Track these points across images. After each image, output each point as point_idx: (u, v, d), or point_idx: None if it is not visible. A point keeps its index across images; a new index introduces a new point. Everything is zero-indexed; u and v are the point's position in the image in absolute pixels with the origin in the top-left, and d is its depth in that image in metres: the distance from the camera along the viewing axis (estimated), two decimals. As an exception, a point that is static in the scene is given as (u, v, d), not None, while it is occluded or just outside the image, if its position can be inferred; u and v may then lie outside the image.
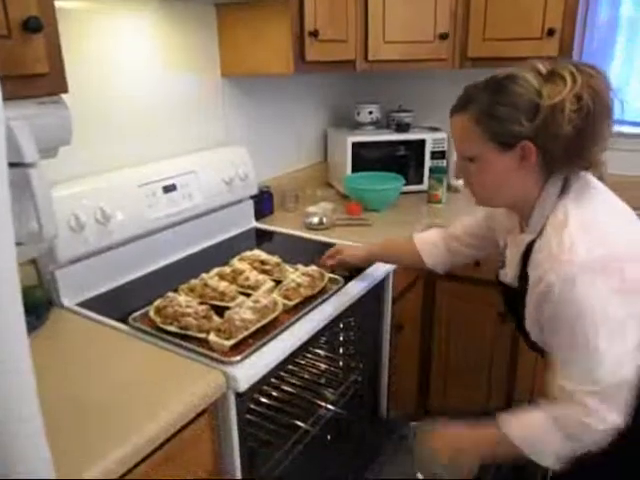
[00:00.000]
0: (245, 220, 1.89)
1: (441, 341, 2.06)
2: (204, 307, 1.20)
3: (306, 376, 1.62)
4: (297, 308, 1.28)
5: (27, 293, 0.97)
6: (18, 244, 0.62)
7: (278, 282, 1.37)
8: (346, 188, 2.17)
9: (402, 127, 2.33)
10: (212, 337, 1.11)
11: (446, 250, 1.32)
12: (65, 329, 1.26)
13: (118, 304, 1.35)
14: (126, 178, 1.47)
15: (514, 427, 0.96)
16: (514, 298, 1.06)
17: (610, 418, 0.88)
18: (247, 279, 1.33)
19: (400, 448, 1.49)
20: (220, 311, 1.21)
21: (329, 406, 1.53)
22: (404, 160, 2.28)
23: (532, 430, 0.95)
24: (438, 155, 2.28)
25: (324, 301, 1.33)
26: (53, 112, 1.00)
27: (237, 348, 1.10)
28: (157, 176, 1.53)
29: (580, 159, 0.94)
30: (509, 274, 1.10)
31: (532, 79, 0.92)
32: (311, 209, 1.95)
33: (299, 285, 1.30)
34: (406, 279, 1.84)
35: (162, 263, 1.57)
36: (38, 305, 1.26)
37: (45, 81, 0.95)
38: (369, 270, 1.52)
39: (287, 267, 1.43)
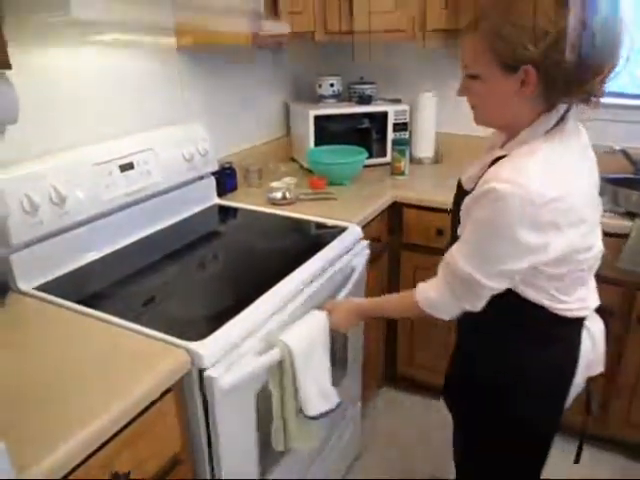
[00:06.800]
0: (207, 197, 1.87)
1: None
2: None
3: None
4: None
5: (-22, 278, 0.94)
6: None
7: None
8: (309, 162, 2.15)
9: (364, 99, 2.32)
10: None
11: None
12: (23, 314, 1.23)
13: (78, 286, 1.32)
14: (80, 157, 1.42)
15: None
16: (461, 200, 1.08)
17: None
18: None
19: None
20: None
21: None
22: (367, 133, 2.27)
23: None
24: (400, 127, 2.28)
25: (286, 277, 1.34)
26: (-4, 89, 0.96)
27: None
28: (113, 154, 1.49)
29: (580, 89, 0.91)
30: (467, 174, 1.12)
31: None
32: (274, 184, 1.93)
33: None
34: (370, 252, 1.85)
35: (122, 243, 1.53)
36: (-7, 290, 1.22)
37: (-15, 57, 0.91)
38: (332, 244, 1.53)
39: None
